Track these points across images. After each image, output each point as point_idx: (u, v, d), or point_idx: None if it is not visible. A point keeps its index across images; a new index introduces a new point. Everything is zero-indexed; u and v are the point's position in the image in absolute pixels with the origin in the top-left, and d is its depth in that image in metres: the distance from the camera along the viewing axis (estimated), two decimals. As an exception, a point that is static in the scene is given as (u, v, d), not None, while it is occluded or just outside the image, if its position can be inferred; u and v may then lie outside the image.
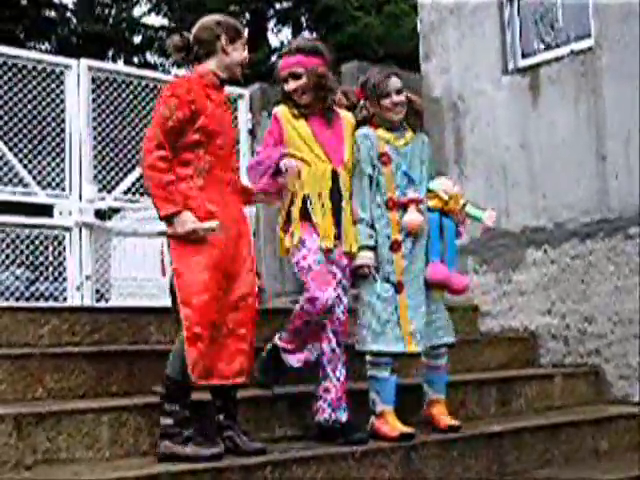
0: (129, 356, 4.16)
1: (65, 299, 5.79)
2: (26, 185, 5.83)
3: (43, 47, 16.88)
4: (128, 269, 6.41)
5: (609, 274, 5.59)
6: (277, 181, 3.88)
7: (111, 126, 6.16)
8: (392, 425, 4.01)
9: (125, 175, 6.20)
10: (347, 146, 4.11)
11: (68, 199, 5.91)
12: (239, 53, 3.76)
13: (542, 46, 6.30)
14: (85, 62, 6.08)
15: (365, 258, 4.04)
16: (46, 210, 6.02)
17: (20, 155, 5.80)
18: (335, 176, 4.03)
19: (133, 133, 6.20)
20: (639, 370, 5.41)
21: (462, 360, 5.31)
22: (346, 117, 4.20)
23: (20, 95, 5.79)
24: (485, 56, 6.43)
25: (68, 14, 17.58)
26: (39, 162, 5.86)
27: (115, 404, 3.70)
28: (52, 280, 5.88)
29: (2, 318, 4.20)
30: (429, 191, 4.23)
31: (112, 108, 6.16)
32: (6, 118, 5.75)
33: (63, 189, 5.92)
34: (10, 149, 5.76)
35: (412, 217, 4.09)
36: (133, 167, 6.20)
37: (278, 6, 19.10)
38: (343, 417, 3.95)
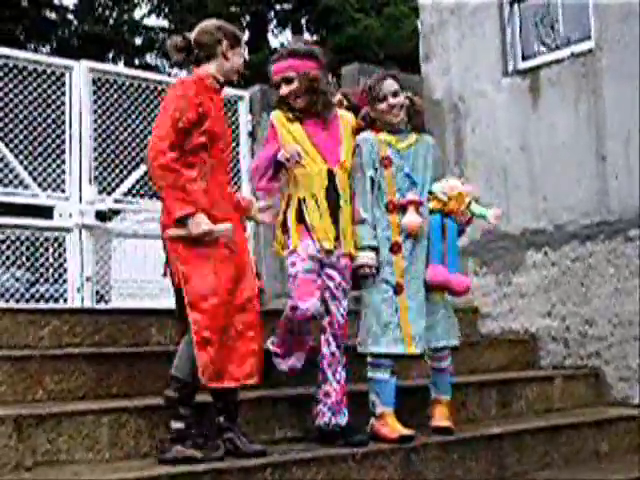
0: (129, 358, 4.16)
1: (65, 301, 5.79)
2: (27, 187, 5.83)
3: (43, 48, 16.86)
4: (128, 270, 6.41)
5: (609, 276, 5.59)
6: (278, 179, 3.89)
7: (111, 128, 6.15)
8: (392, 427, 4.01)
9: (125, 177, 6.20)
10: (345, 146, 4.10)
11: (68, 201, 5.91)
12: (238, 59, 3.76)
13: (542, 48, 6.30)
14: (86, 63, 6.09)
15: (366, 258, 4.04)
16: (46, 212, 6.02)
17: (21, 157, 5.80)
18: (331, 176, 4.01)
19: (133, 135, 6.21)
20: (639, 372, 5.41)
21: (462, 362, 5.28)
22: (345, 117, 4.19)
23: (21, 97, 5.79)
24: (485, 57, 6.43)
25: (69, 15, 17.54)
26: (39, 164, 5.86)
27: (115, 406, 3.70)
28: (52, 282, 5.87)
29: (2, 320, 4.20)
30: (429, 193, 4.23)
31: (112, 110, 6.16)
32: (7, 119, 5.74)
33: (63, 191, 5.92)
34: (11, 150, 5.76)
35: (411, 219, 4.09)
36: (133, 169, 6.21)
37: (278, 8, 19.10)
38: (343, 421, 3.95)
